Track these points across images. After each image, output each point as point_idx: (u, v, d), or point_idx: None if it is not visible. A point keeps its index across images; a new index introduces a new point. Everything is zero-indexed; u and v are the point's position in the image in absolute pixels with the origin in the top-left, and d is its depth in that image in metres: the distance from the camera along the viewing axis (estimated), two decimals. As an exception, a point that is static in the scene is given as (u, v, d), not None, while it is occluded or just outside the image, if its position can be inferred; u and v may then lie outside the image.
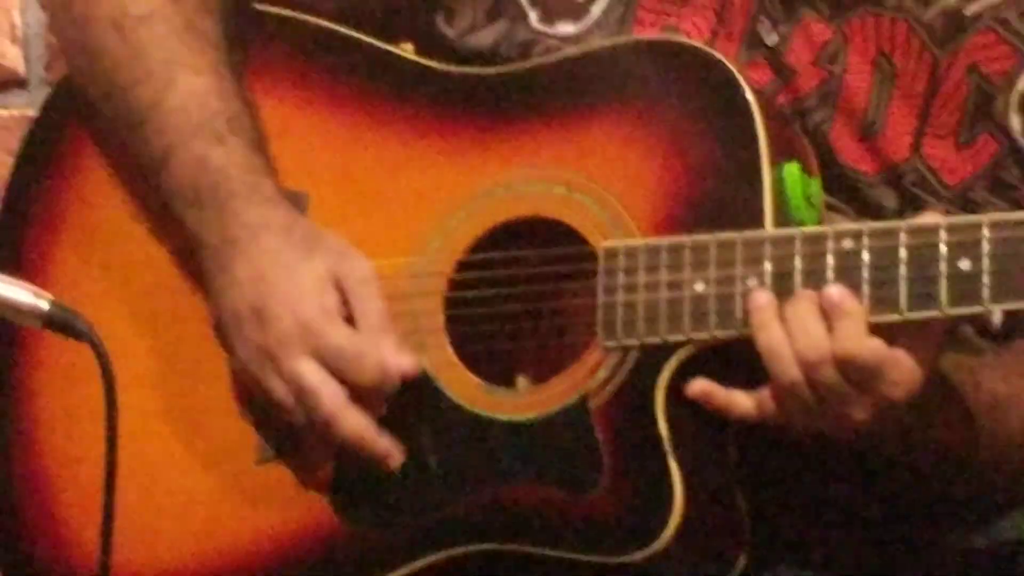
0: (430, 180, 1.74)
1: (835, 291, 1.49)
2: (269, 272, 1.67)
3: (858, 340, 1.49)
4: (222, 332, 1.72)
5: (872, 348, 1.49)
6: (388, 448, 1.67)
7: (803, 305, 1.52)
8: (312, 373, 1.65)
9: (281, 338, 1.66)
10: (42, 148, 1.94)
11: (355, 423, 1.65)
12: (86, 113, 1.87)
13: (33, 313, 1.41)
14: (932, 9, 1.72)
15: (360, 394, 1.67)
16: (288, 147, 1.79)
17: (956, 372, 1.63)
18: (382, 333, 1.67)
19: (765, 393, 1.56)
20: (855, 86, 1.74)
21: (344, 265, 1.69)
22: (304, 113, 1.83)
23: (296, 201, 1.76)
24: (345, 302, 1.68)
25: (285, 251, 1.68)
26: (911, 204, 1.69)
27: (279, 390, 1.67)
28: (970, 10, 1.72)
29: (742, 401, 1.56)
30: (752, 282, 1.55)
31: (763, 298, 1.54)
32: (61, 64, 2.15)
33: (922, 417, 1.57)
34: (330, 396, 1.64)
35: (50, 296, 1.43)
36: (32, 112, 2.12)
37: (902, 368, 1.49)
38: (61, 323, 1.42)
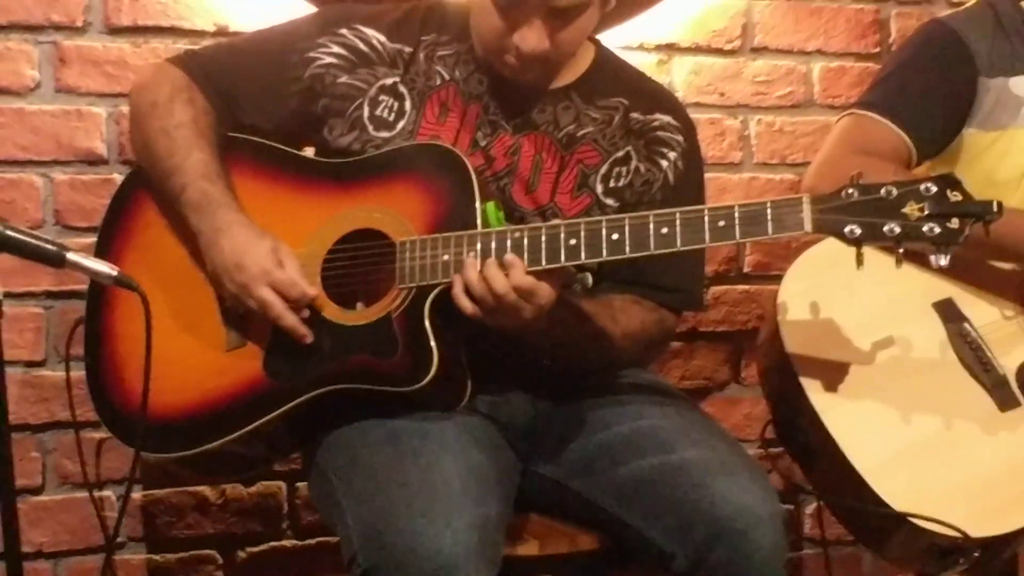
0: (313, 212, 2.29)
1: (509, 256, 2.09)
2: (240, 245, 2.19)
3: (522, 277, 2.08)
4: (216, 278, 2.22)
5: (529, 280, 2.07)
6: (304, 331, 2.20)
7: (492, 267, 2.08)
8: (269, 294, 2.19)
9: (251, 278, 2.18)
10: (122, 201, 2.44)
11: (291, 318, 2.20)
12: (145, 179, 2.37)
13: (109, 277, 1.97)
14: (562, 131, 2.33)
15: (291, 305, 2.20)
16: (243, 198, 2.30)
17: (570, 298, 2.23)
18: (299, 276, 2.21)
19: (477, 307, 2.09)
20: (524, 167, 2.32)
21: (277, 244, 2.21)
22: (251, 182, 2.36)
23: None
24: (279, 262, 2.19)
25: (247, 235, 2.21)
26: None
27: (252, 304, 2.20)
28: (579, 133, 2.34)
29: (467, 304, 2.13)
30: (472, 255, 2.11)
31: (469, 263, 2.09)
32: (125, 152, 2.79)
33: (553, 318, 2.16)
34: (279, 306, 2.19)
35: (118, 268, 1.99)
36: (110, 177, 2.81)
37: (544, 290, 2.09)
38: (121, 282, 2.00)
